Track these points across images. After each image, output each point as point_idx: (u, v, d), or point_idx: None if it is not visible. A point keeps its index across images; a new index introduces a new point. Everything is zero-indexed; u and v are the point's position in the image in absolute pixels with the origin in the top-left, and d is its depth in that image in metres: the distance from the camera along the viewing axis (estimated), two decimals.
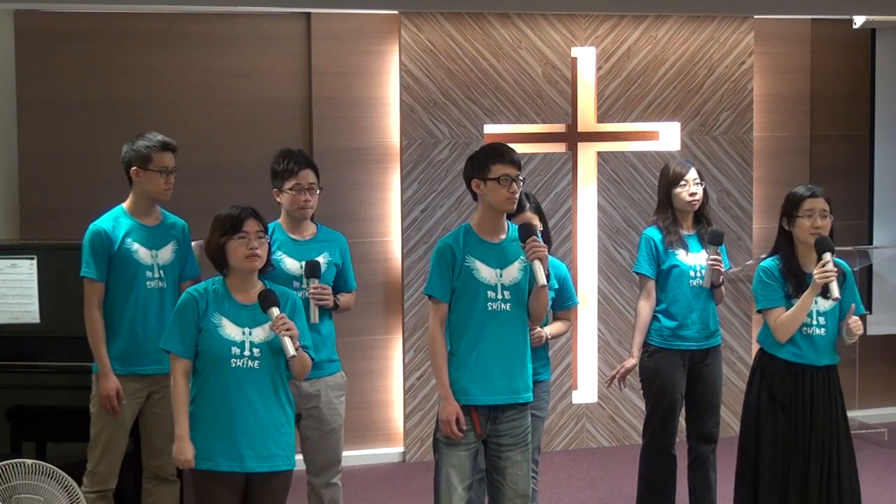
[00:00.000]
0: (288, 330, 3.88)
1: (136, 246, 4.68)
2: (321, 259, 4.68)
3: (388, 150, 6.86)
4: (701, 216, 5.26)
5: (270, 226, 4.74)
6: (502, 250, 4.18)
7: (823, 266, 4.40)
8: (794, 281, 4.53)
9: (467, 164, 4.24)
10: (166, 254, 4.75)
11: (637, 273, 5.31)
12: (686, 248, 5.18)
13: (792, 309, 4.48)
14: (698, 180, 5.20)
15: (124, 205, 4.77)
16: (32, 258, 5.21)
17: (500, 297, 4.14)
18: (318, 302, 4.61)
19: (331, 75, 6.75)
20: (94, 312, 4.64)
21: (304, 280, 4.63)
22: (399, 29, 6.74)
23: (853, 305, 4.55)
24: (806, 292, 4.46)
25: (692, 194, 5.18)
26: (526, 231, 4.12)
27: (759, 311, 4.62)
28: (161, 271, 4.72)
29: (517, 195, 4.14)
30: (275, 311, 3.91)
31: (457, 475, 4.16)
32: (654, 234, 5.23)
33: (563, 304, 4.88)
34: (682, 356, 5.19)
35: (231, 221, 3.95)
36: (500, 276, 4.15)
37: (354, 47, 6.78)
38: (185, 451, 3.89)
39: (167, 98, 6.55)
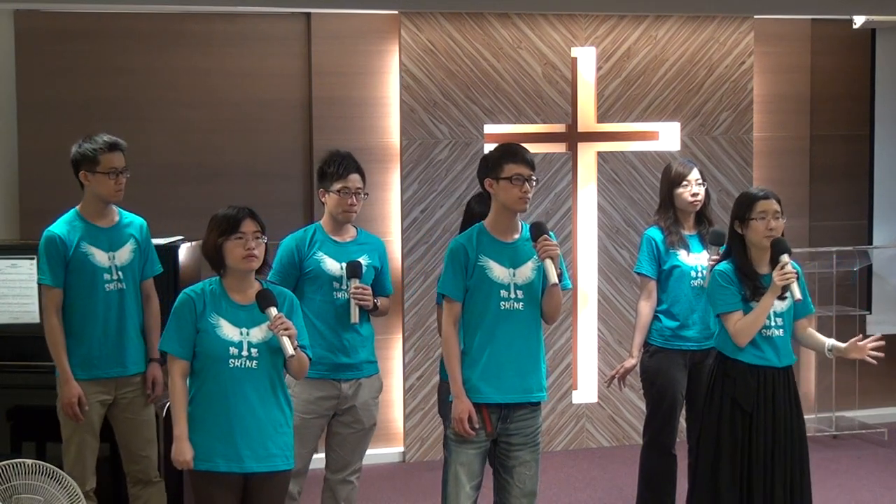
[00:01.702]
0: (286, 329, 3.88)
1: (91, 249, 4.58)
2: (361, 261, 4.67)
3: (388, 150, 6.86)
4: (702, 216, 5.26)
5: (311, 227, 4.75)
6: (515, 250, 4.19)
7: (783, 268, 4.37)
8: (750, 284, 4.45)
9: (481, 163, 4.25)
10: (124, 255, 4.65)
11: (638, 273, 5.31)
12: (687, 248, 5.18)
13: (752, 312, 4.42)
14: (700, 181, 5.20)
15: (78, 208, 4.68)
16: (32, 258, 5.19)
17: (513, 296, 4.15)
18: (358, 302, 4.60)
19: (331, 75, 6.74)
20: (52, 319, 4.55)
21: (345, 281, 4.63)
22: (399, 29, 6.74)
23: None
24: (765, 295, 4.40)
25: (694, 195, 5.17)
26: (537, 230, 4.13)
27: (717, 316, 4.55)
28: (119, 272, 4.62)
29: (530, 195, 4.14)
30: (273, 310, 3.90)
31: (465, 473, 4.17)
32: (655, 234, 5.23)
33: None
34: (683, 356, 5.19)
35: (228, 222, 3.94)
36: (514, 275, 4.16)
37: (354, 47, 6.78)
38: (184, 451, 3.88)
39: (167, 98, 6.55)
